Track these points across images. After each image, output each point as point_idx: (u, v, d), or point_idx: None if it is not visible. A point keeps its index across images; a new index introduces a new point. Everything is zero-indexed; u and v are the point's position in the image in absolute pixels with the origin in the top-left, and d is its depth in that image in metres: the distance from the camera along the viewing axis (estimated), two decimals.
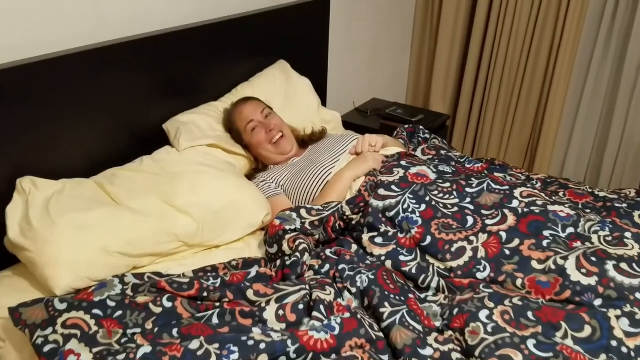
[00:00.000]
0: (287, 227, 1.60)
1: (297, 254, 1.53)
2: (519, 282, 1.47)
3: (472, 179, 1.78)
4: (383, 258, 1.61)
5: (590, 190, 1.96)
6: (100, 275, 1.45)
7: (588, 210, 1.81)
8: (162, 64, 1.91)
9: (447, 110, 3.56)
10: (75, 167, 1.74)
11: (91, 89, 1.71)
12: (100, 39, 1.77)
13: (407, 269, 1.57)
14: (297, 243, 1.56)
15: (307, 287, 1.44)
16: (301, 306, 1.38)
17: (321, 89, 2.59)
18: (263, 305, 1.39)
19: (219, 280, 1.46)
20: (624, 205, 1.83)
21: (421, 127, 2.39)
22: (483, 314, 1.34)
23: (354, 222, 1.72)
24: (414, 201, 1.69)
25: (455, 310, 1.38)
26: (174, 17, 1.99)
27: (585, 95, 3.09)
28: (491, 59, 3.27)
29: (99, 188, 1.65)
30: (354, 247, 1.67)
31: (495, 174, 2.01)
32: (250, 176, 1.97)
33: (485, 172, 2.06)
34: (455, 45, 3.40)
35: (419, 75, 3.68)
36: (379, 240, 1.65)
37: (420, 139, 2.32)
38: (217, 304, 1.39)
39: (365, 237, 1.67)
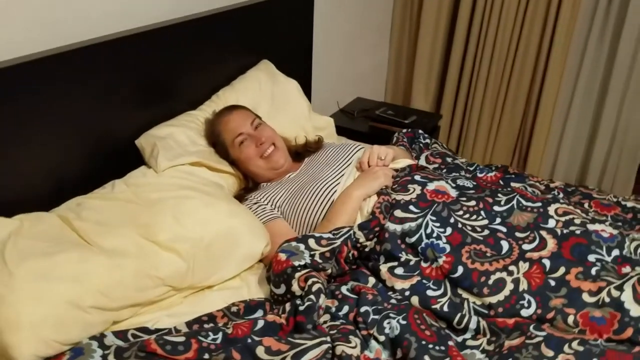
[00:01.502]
0: (296, 263, 1.35)
1: (312, 296, 1.28)
2: (570, 320, 1.27)
3: (499, 194, 1.56)
4: (407, 293, 1.38)
5: (615, 200, 1.79)
6: (72, 336, 1.17)
7: (620, 224, 1.63)
8: (129, 69, 1.62)
9: (429, 108, 3.36)
10: (32, 197, 1.45)
11: (48, 102, 1.42)
12: (55, 44, 1.47)
13: (437, 306, 1.35)
14: (309, 282, 1.31)
15: (328, 338, 1.20)
16: None
17: (305, 91, 2.33)
18: None
19: (219, 335, 1.20)
20: None
21: (420, 131, 2.16)
22: None
23: (367, 250, 1.48)
24: (437, 224, 1.46)
25: None
26: (139, 17, 1.70)
27: (578, 91, 2.93)
28: (477, 51, 3.06)
29: (64, 224, 1.36)
30: (371, 280, 1.43)
31: (513, 184, 1.81)
32: (239, 197, 1.71)
33: (501, 182, 1.86)
34: (438, 36, 3.18)
35: (399, 69, 3.46)
36: (399, 271, 1.43)
37: (421, 144, 2.10)
38: None
39: (384, 267, 1.44)
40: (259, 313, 1.35)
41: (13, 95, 1.34)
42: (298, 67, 2.29)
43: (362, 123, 2.60)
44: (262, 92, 1.96)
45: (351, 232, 1.47)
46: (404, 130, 2.14)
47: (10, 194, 1.40)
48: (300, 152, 1.87)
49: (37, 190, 1.46)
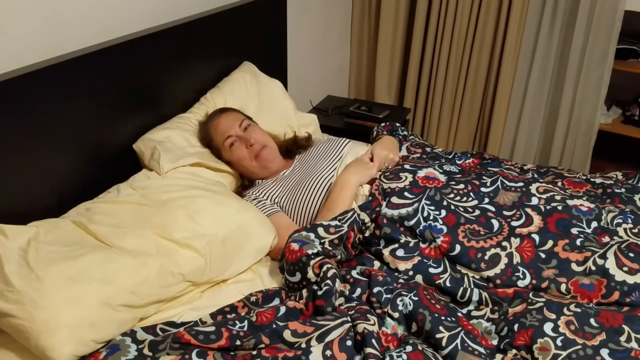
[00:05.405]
0: (310, 252, 1.43)
1: (328, 281, 1.35)
2: (563, 288, 1.40)
3: (484, 177, 1.68)
4: (411, 273, 1.48)
5: (584, 177, 1.93)
6: (106, 335, 1.22)
7: (593, 199, 1.78)
8: (118, 77, 1.66)
9: (392, 102, 3.48)
10: (36, 206, 1.47)
11: (41, 112, 1.44)
12: (43, 57, 1.50)
13: (440, 281, 1.45)
14: (324, 268, 1.39)
15: (348, 318, 1.28)
16: (349, 342, 1.23)
17: None
18: (304, 345, 1.22)
19: (245, 323, 1.27)
20: (622, 190, 1.80)
21: (398, 124, 2.27)
22: (548, 327, 1.25)
23: (367, 235, 1.57)
24: (432, 207, 1.57)
25: (516, 326, 1.27)
26: (124, 26, 1.74)
27: (532, 76, 3.10)
28: (435, 46, 3.20)
29: (79, 228, 1.39)
30: (377, 263, 1.52)
31: (491, 169, 1.94)
32: (237, 194, 1.76)
33: (479, 167, 1.98)
34: (397, 34, 3.31)
35: (360, 67, 3.57)
36: (400, 253, 1.52)
37: (400, 136, 2.21)
38: (254, 353, 1.20)
39: (386, 252, 1.53)
40: (276, 301, 1.42)
41: (5, 110, 1.36)
42: (274, 68, 2.36)
43: (337, 120, 2.70)
44: (249, 93, 2.02)
45: (355, 214, 1.55)
46: (383, 124, 2.24)
47: (14, 205, 1.42)
48: (291, 150, 1.94)
49: (39, 199, 1.49)
